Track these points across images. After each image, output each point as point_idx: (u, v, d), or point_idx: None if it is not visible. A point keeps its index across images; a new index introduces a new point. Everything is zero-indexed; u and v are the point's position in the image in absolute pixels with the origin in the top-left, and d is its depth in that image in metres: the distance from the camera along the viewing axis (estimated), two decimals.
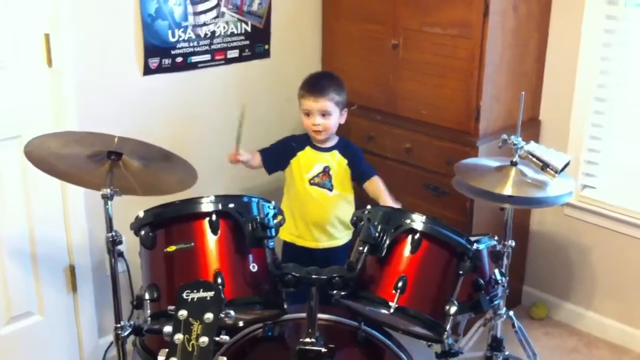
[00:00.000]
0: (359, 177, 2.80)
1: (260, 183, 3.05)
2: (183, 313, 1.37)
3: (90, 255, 2.82)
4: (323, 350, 1.87)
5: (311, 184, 2.75)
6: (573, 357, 3.06)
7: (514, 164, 2.43)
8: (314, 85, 2.73)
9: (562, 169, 2.36)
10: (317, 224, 2.75)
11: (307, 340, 1.88)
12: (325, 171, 2.76)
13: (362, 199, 2.79)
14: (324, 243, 2.78)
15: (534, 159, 2.37)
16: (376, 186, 2.75)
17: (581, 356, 3.07)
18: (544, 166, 2.35)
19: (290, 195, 2.79)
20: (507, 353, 2.59)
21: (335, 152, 2.79)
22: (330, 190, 2.76)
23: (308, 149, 2.78)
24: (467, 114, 2.89)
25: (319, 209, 2.74)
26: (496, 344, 2.57)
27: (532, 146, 2.38)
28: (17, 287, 2.67)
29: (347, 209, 2.80)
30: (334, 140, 2.81)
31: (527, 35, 2.99)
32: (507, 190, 2.34)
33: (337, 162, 2.78)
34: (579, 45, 2.99)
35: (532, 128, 3.14)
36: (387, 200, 2.64)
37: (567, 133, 3.10)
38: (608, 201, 3.05)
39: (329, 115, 2.70)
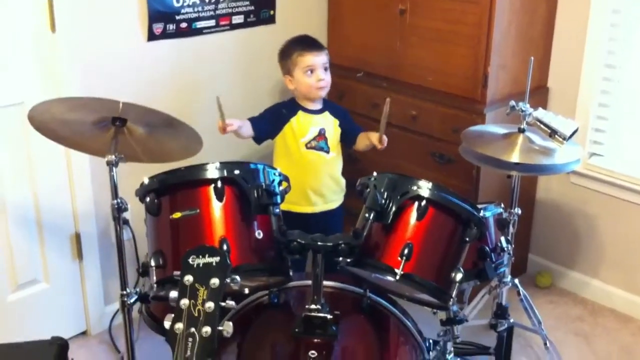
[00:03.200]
0: (350, 136, 2.82)
1: (266, 149, 3.04)
2: (189, 278, 1.36)
3: (95, 222, 2.82)
4: (328, 317, 1.87)
5: (307, 147, 2.74)
6: (578, 325, 3.07)
7: (521, 130, 2.40)
8: (311, 41, 2.77)
9: (571, 136, 2.33)
10: (314, 187, 2.76)
11: (313, 307, 1.87)
12: (321, 133, 2.76)
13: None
14: (320, 207, 2.80)
15: (542, 126, 2.35)
16: (363, 135, 2.79)
17: (586, 324, 3.07)
18: (552, 133, 2.33)
19: (283, 163, 2.75)
20: (512, 321, 2.60)
21: (327, 114, 2.80)
22: (327, 152, 2.77)
23: (300, 113, 2.76)
24: (474, 81, 2.86)
25: (316, 172, 2.75)
26: (501, 312, 2.58)
27: (540, 113, 2.36)
28: (23, 254, 2.68)
29: (340, 170, 2.85)
30: (321, 102, 2.81)
31: (536, 1, 2.95)
32: (515, 157, 2.32)
33: (330, 123, 2.79)
34: (589, 12, 2.95)
35: (540, 95, 3.10)
36: (373, 134, 2.69)
37: (575, 100, 3.07)
38: (615, 169, 3.03)
39: (329, 69, 2.74)
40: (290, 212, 2.71)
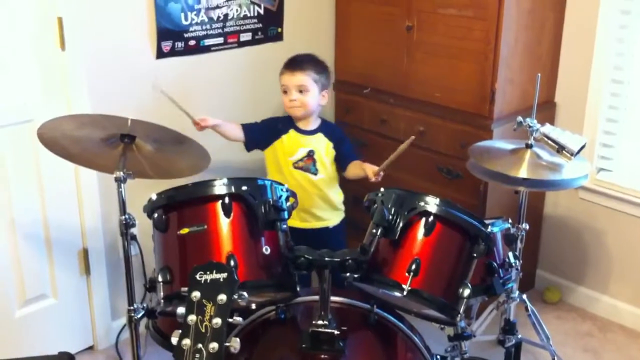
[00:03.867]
0: (341, 161, 2.79)
1: None
2: (196, 294, 1.37)
3: (103, 238, 2.83)
4: (335, 332, 1.86)
5: (295, 167, 2.74)
6: (586, 341, 3.04)
7: (529, 146, 2.41)
8: (292, 61, 2.74)
9: (578, 152, 2.34)
10: (303, 205, 2.72)
11: (320, 322, 1.87)
12: (310, 155, 2.75)
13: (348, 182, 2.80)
14: (312, 223, 2.79)
15: (549, 142, 2.35)
16: (356, 164, 2.76)
17: (595, 340, 3.05)
18: (560, 149, 2.33)
19: (273, 176, 2.76)
20: (519, 336, 2.58)
21: (320, 135, 2.77)
22: (315, 174, 2.76)
23: (292, 132, 2.76)
24: (482, 97, 2.87)
25: (303, 192, 2.71)
26: (509, 328, 2.56)
27: (547, 128, 2.36)
28: (31, 269, 2.69)
29: (333, 191, 2.82)
30: (317, 123, 2.79)
31: (543, 17, 2.96)
32: (522, 172, 2.32)
33: (322, 146, 2.76)
34: (596, 27, 2.95)
35: (547, 110, 3.10)
36: (369, 166, 2.67)
37: (583, 115, 3.07)
38: (624, 184, 3.02)
39: (306, 91, 2.68)
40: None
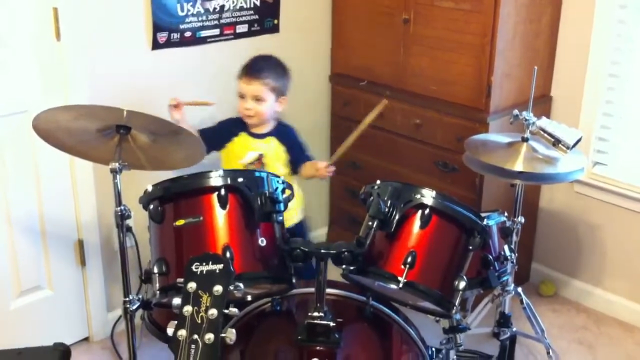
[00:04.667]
0: (294, 165, 2.72)
1: None
2: (192, 285, 1.37)
3: (98, 230, 2.83)
4: (331, 324, 1.86)
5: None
6: (581, 334, 3.06)
7: (525, 139, 2.41)
8: (251, 67, 2.65)
9: (574, 145, 2.34)
10: None
11: (316, 314, 1.87)
12: (259, 159, 2.69)
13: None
14: None
15: (545, 135, 2.35)
16: (308, 165, 2.69)
17: (589, 333, 3.06)
18: (556, 142, 2.33)
19: None
20: (514, 329, 2.59)
21: (271, 139, 2.71)
22: None
23: (243, 134, 2.71)
24: (478, 90, 2.87)
25: None
26: (504, 320, 2.57)
27: (543, 122, 2.36)
28: (27, 261, 2.69)
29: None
30: (270, 126, 2.72)
31: (540, 11, 2.95)
32: (518, 166, 2.32)
33: (272, 149, 2.70)
34: (592, 21, 2.95)
35: (543, 104, 3.11)
36: (320, 162, 2.61)
37: (579, 110, 3.07)
38: (619, 178, 3.03)
39: (262, 100, 2.62)
40: None
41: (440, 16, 2.93)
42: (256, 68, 2.64)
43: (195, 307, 1.35)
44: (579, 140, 2.36)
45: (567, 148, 2.33)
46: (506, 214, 2.37)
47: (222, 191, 1.82)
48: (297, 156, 2.74)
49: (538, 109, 2.90)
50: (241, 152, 2.69)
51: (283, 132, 2.75)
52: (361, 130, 2.48)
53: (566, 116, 3.06)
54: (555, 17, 3.04)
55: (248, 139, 2.71)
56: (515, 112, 2.40)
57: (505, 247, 2.30)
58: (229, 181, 1.84)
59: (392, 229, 1.87)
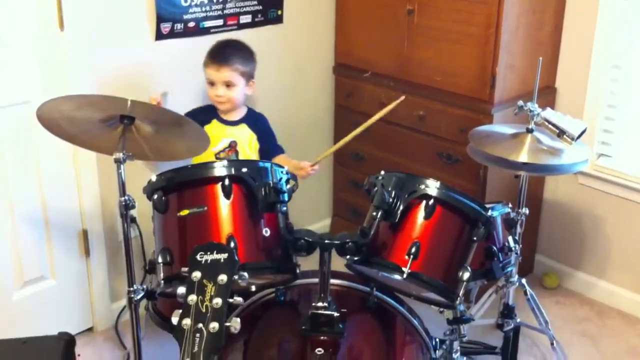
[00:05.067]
0: (267, 154, 2.68)
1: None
2: (197, 274, 1.36)
3: (102, 220, 2.83)
4: (335, 314, 1.87)
5: (217, 158, 2.63)
6: (584, 326, 3.06)
7: (529, 130, 2.40)
8: (218, 54, 2.62)
9: (579, 137, 2.33)
10: None
11: (319, 304, 1.88)
12: (232, 146, 2.67)
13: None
14: None
15: (550, 126, 2.34)
16: (283, 158, 2.65)
17: (593, 325, 3.06)
18: (560, 133, 2.32)
19: None
20: (518, 321, 2.59)
21: (244, 126, 2.69)
22: None
23: (215, 122, 2.68)
24: (482, 82, 2.86)
25: None
26: (507, 312, 2.57)
27: (548, 113, 2.35)
28: (31, 251, 2.69)
29: None
30: (241, 113, 2.71)
31: (545, 1, 2.94)
32: (523, 157, 2.32)
33: (245, 137, 2.68)
34: (597, 12, 2.94)
35: (547, 96, 3.10)
36: (304, 163, 2.55)
37: (583, 101, 3.06)
38: (623, 170, 3.02)
39: (233, 86, 2.60)
40: None
41: (445, 7, 2.92)
42: (224, 54, 2.61)
43: (200, 296, 1.34)
44: (583, 132, 2.35)
45: (572, 139, 2.32)
46: (510, 205, 2.37)
47: (226, 181, 1.82)
48: (268, 145, 2.71)
49: (542, 101, 2.88)
50: (214, 139, 2.59)
51: (255, 119, 2.73)
52: (368, 125, 2.46)
53: (570, 108, 3.05)
54: (559, 8, 3.02)
55: (220, 126, 2.68)
56: (520, 103, 2.39)
57: (510, 239, 2.30)
58: (233, 171, 1.83)
59: (396, 220, 1.87)
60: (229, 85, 2.60)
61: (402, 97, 2.41)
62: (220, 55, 2.62)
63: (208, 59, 2.63)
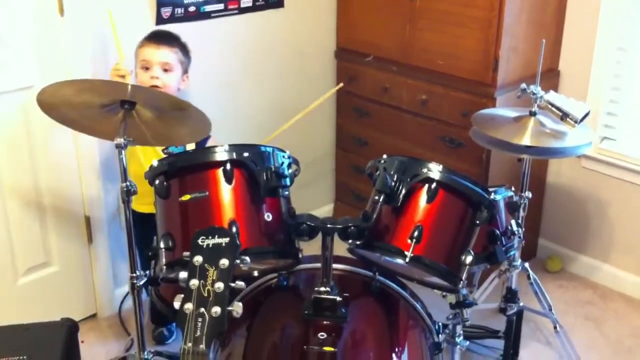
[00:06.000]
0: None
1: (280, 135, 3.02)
2: (198, 259, 1.36)
3: (104, 206, 2.82)
4: (338, 299, 1.86)
5: (164, 152, 2.47)
6: (588, 309, 3.06)
7: (532, 114, 2.39)
8: (158, 34, 2.51)
9: (582, 119, 2.32)
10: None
11: (322, 289, 1.87)
12: None
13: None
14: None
15: (553, 109, 2.33)
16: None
17: (596, 308, 3.06)
18: (564, 116, 2.31)
19: (130, 165, 2.22)
20: (521, 305, 2.58)
21: None
22: None
23: None
24: (485, 65, 2.84)
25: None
26: (511, 296, 2.57)
27: (551, 95, 2.34)
28: (33, 238, 2.69)
29: None
30: None
31: None
32: (525, 140, 2.30)
33: None
34: None
35: (551, 78, 3.08)
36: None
37: (587, 84, 3.04)
38: (627, 153, 3.01)
39: (170, 70, 2.46)
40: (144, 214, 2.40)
41: None
42: (163, 36, 2.51)
43: (202, 281, 1.34)
44: (587, 114, 2.33)
45: (575, 122, 2.31)
46: (513, 188, 2.36)
47: (228, 166, 1.81)
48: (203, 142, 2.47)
49: (546, 84, 2.86)
50: None
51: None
52: (306, 113, 2.40)
53: (574, 90, 3.02)
54: None
55: None
56: (523, 86, 2.37)
57: (512, 222, 2.29)
58: (234, 156, 1.82)
59: (399, 204, 1.86)
60: (166, 69, 2.45)
61: (341, 84, 2.36)
62: (161, 35, 2.51)
63: (145, 40, 2.49)
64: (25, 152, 2.58)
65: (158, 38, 2.50)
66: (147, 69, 2.46)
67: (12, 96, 2.49)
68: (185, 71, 2.54)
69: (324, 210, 3.66)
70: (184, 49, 2.54)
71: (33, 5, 2.46)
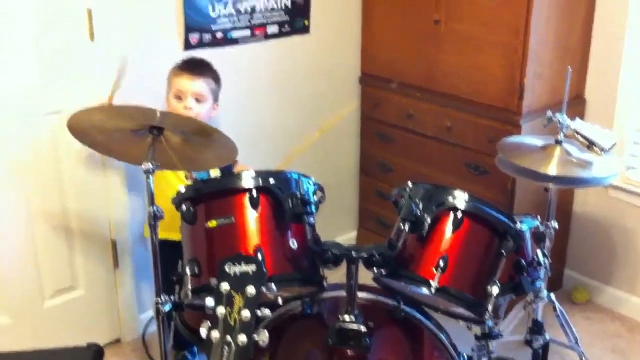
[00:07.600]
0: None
1: (300, 161, 3.03)
2: (225, 286, 1.36)
3: (130, 230, 2.84)
4: (362, 328, 1.85)
5: (187, 178, 2.48)
6: (615, 342, 3.00)
7: (559, 142, 2.37)
8: (193, 65, 2.52)
9: (610, 149, 2.29)
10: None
11: (347, 318, 1.86)
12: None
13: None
14: None
15: (580, 138, 2.31)
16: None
17: (623, 341, 3.00)
18: (591, 145, 2.29)
19: (167, 190, 2.26)
20: (547, 337, 2.54)
21: None
22: None
23: None
24: (511, 91, 2.83)
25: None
26: (537, 328, 2.52)
27: (578, 124, 2.32)
28: (61, 261, 2.72)
29: None
30: None
31: (573, 9, 2.91)
32: (552, 169, 2.28)
33: None
34: (627, 19, 2.90)
35: (577, 106, 3.06)
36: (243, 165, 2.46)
37: (614, 112, 3.01)
38: None
39: (203, 101, 2.48)
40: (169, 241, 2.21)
41: (472, 16, 2.90)
42: (199, 66, 2.52)
43: (229, 308, 1.34)
44: (614, 145, 2.31)
45: (602, 151, 2.29)
46: (539, 218, 2.33)
47: (254, 192, 1.82)
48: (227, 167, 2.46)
49: (571, 112, 2.83)
50: None
51: None
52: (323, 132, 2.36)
53: (600, 119, 2.99)
54: (589, 16, 2.98)
55: None
56: (549, 114, 2.36)
57: (539, 252, 2.26)
58: (260, 182, 1.83)
59: (424, 233, 1.85)
60: (199, 99, 2.47)
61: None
62: (196, 66, 2.52)
63: (180, 70, 2.50)
64: (53, 176, 2.61)
65: (193, 69, 2.50)
66: (180, 98, 2.48)
67: (42, 120, 2.53)
68: (216, 99, 2.56)
69: (348, 237, 3.65)
70: (216, 79, 2.56)
71: (64, 31, 2.51)
